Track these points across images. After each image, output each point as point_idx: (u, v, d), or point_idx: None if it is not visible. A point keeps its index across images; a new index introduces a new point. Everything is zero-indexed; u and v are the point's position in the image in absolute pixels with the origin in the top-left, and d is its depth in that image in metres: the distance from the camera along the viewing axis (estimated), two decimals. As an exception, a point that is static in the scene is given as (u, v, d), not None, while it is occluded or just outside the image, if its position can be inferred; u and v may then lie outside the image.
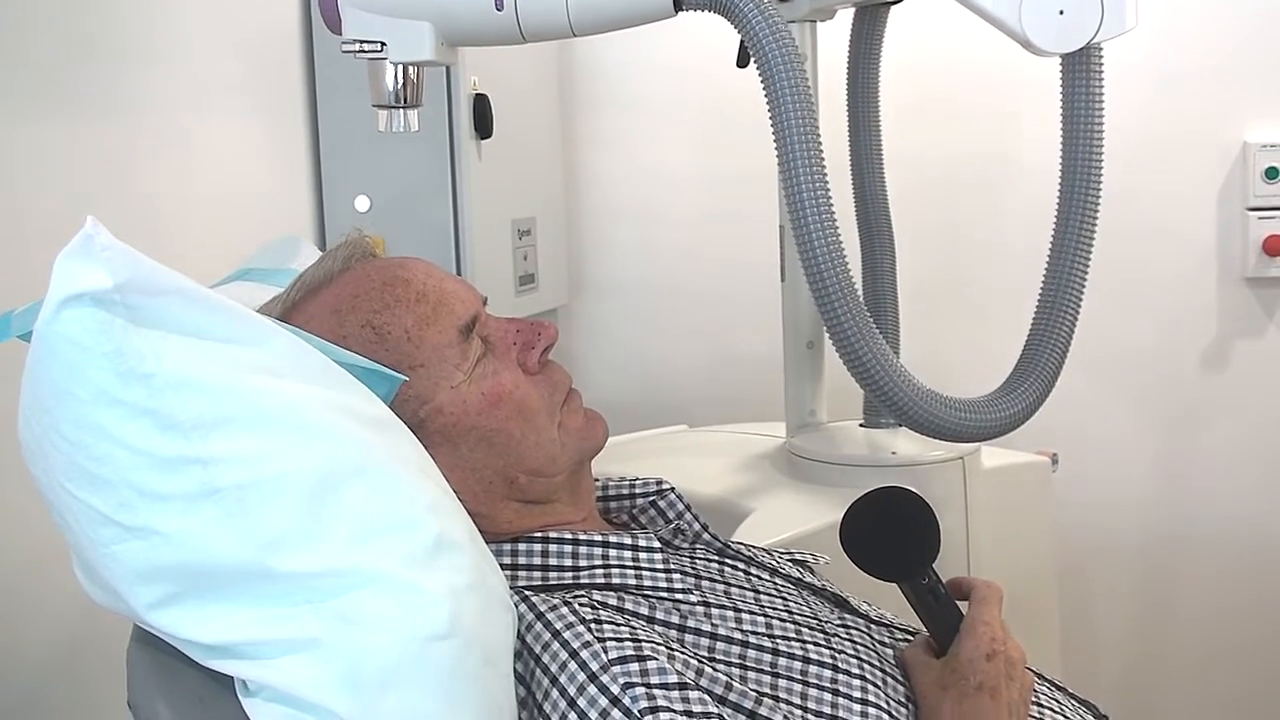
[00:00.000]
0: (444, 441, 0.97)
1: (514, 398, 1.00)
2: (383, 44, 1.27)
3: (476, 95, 1.86)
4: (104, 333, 0.77)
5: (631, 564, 0.98)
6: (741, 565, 1.06)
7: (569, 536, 0.99)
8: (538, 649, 0.88)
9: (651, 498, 1.11)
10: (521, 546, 0.99)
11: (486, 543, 0.96)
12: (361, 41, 1.26)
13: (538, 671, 0.87)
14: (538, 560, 0.98)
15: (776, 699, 0.91)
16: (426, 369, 0.97)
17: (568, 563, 0.98)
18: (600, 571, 0.98)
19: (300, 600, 0.80)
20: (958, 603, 1.03)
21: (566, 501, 1.03)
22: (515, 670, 0.88)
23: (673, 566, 0.99)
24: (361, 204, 1.87)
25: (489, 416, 0.98)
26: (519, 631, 0.90)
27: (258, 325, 0.87)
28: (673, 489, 1.12)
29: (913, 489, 1.06)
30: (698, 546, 1.07)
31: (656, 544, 1.00)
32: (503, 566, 0.97)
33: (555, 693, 0.85)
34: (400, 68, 1.30)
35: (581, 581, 0.97)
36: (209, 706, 0.85)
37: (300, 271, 1.04)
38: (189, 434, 0.79)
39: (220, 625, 0.82)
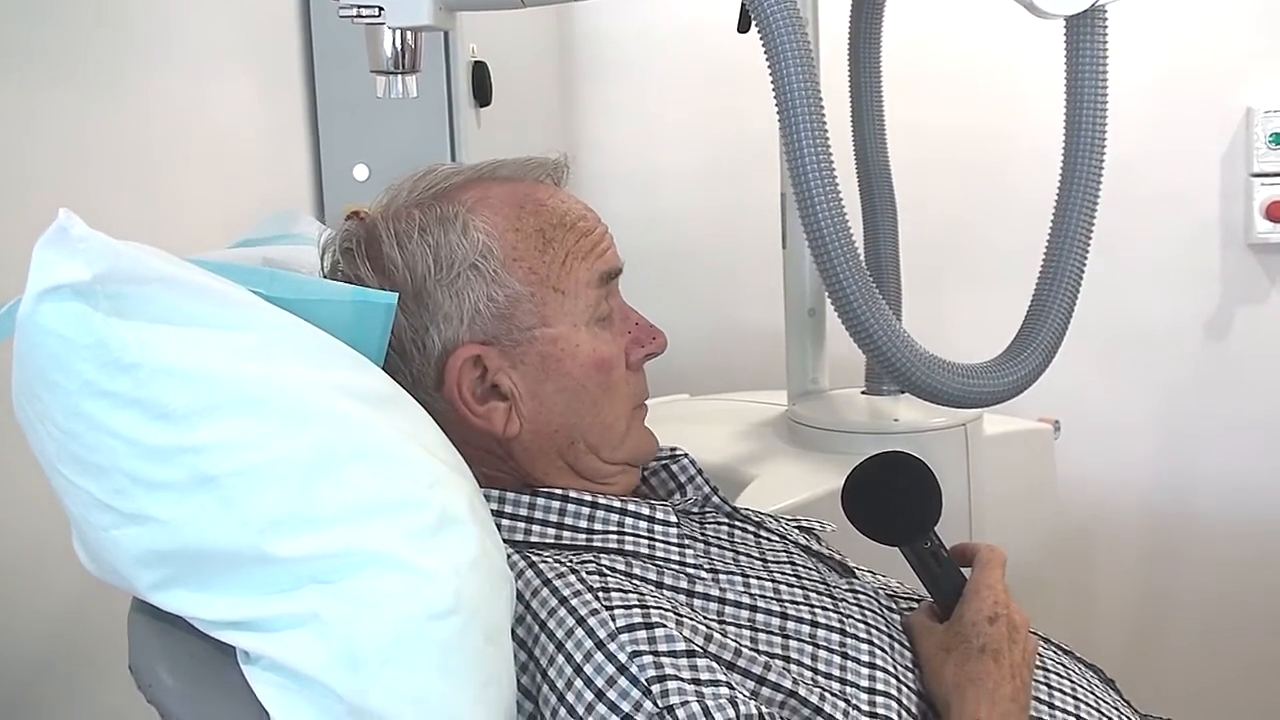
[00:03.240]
0: (539, 368, 0.99)
1: (613, 374, 1.02)
2: (380, 9, 1.26)
3: (475, 63, 1.85)
4: (85, 325, 0.77)
5: (646, 534, 0.99)
6: (751, 529, 1.06)
7: (588, 499, 0.99)
8: (544, 615, 0.88)
9: (664, 462, 1.11)
10: (540, 501, 0.99)
11: (508, 491, 0.99)
12: (359, 6, 1.25)
13: (543, 637, 0.87)
14: (554, 517, 0.98)
15: (788, 659, 0.91)
16: (563, 296, 0.99)
17: (583, 524, 0.98)
18: (614, 537, 0.98)
19: (305, 580, 0.80)
20: (962, 569, 1.03)
21: (611, 489, 1.03)
22: (517, 635, 0.88)
23: (686, 542, 0.99)
24: (360, 173, 1.86)
25: (589, 374, 1.00)
26: (524, 597, 0.90)
27: (246, 308, 0.86)
28: (686, 454, 1.12)
29: (914, 454, 1.06)
30: (707, 511, 1.07)
31: (674, 517, 1.00)
32: (518, 518, 0.98)
33: (561, 659, 0.85)
34: (398, 33, 1.29)
35: (594, 545, 0.97)
36: (209, 670, 0.85)
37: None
38: (179, 423, 0.79)
39: (221, 605, 0.82)
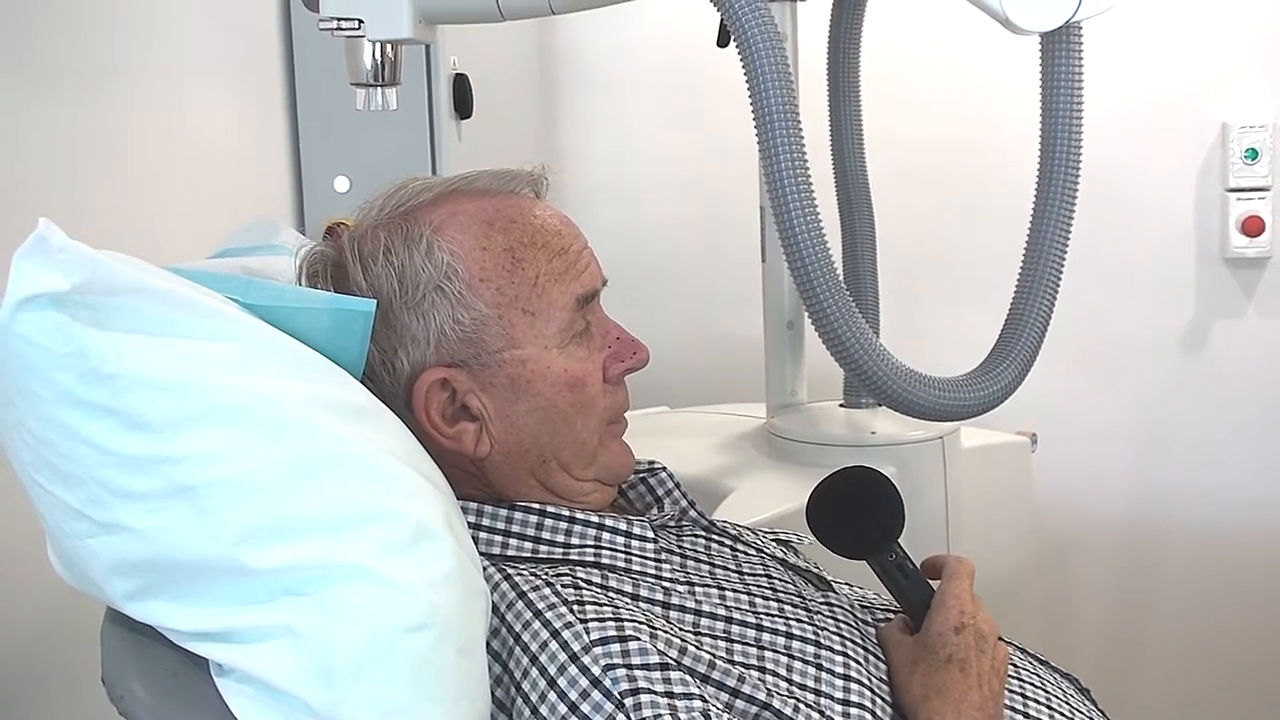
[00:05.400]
0: (508, 389, 0.98)
1: (587, 391, 1.01)
2: (360, 21, 1.26)
3: (456, 75, 1.85)
4: (63, 335, 0.77)
5: (623, 549, 0.99)
6: (728, 542, 1.06)
7: (565, 514, 0.99)
8: (518, 627, 0.88)
9: (642, 475, 1.12)
10: (518, 515, 0.99)
11: (484, 504, 0.98)
12: (339, 19, 1.25)
13: (517, 650, 0.87)
14: (531, 531, 0.98)
15: (763, 670, 0.91)
16: (534, 318, 0.98)
17: (560, 538, 0.98)
18: (591, 551, 0.98)
19: (279, 593, 0.80)
20: (932, 581, 1.04)
21: (585, 505, 1.03)
22: (492, 648, 0.88)
23: (663, 555, 0.99)
24: (341, 185, 1.86)
25: (560, 393, 0.99)
26: (499, 610, 0.90)
27: (225, 319, 0.86)
28: (664, 468, 1.12)
29: (874, 467, 1.06)
30: (684, 524, 1.07)
31: (650, 532, 1.00)
32: (495, 531, 0.98)
33: (535, 672, 0.85)
34: (378, 45, 1.29)
35: (571, 558, 0.97)
36: (182, 682, 0.85)
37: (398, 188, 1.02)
38: (156, 433, 0.79)
39: (195, 616, 0.82)
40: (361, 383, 0.95)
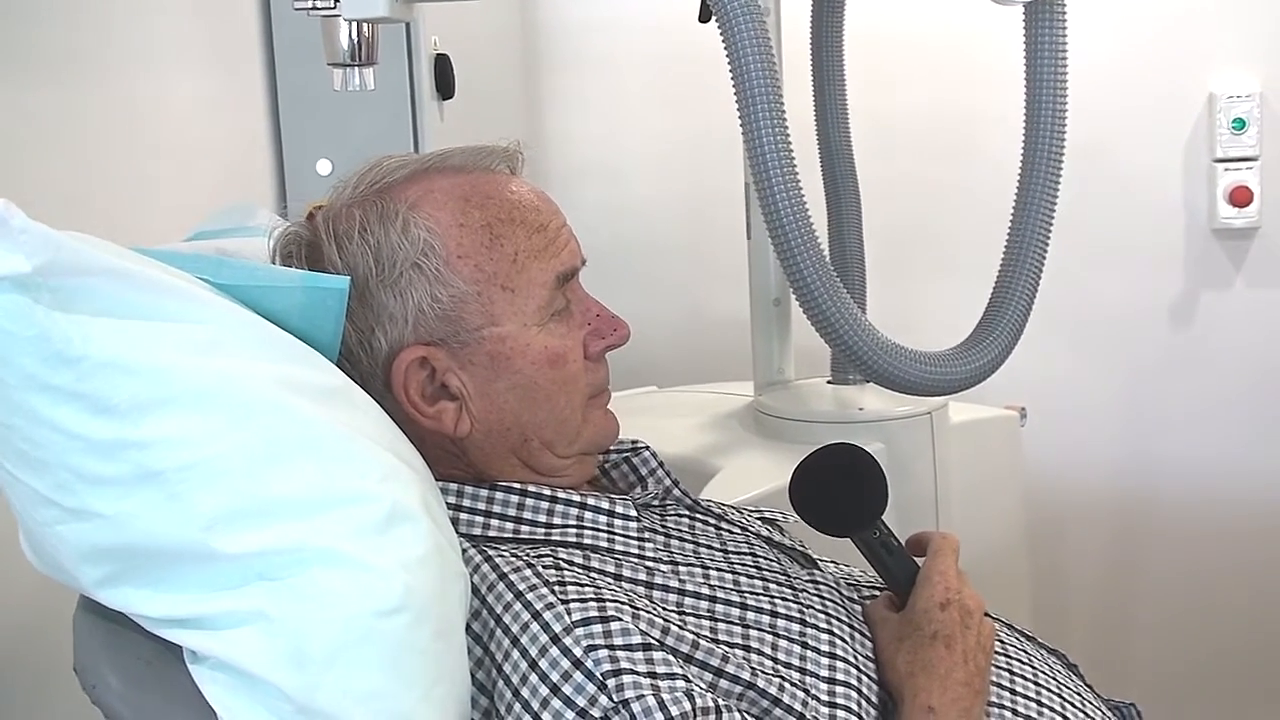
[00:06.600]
0: (488, 367, 0.97)
1: (568, 368, 0.99)
2: (336, 1, 1.25)
3: (438, 56, 1.84)
4: (25, 317, 0.75)
5: (606, 528, 0.98)
6: (713, 521, 1.06)
7: (547, 493, 0.98)
8: (499, 609, 0.87)
9: (626, 454, 1.11)
10: (499, 495, 0.98)
11: (465, 485, 0.97)
12: (315, -1, 1.24)
13: (498, 632, 0.87)
14: (512, 511, 0.97)
15: (748, 649, 0.91)
16: (514, 294, 0.97)
17: (541, 519, 0.97)
18: (573, 531, 0.97)
19: (251, 577, 0.79)
20: (917, 558, 1.03)
21: (565, 481, 1.02)
22: (473, 630, 0.88)
23: (646, 535, 0.99)
24: (323, 167, 1.85)
25: (540, 371, 0.98)
26: (480, 592, 0.89)
27: (193, 300, 0.85)
28: (647, 447, 1.11)
29: (856, 444, 1.06)
30: (668, 504, 1.06)
31: (633, 511, 0.99)
32: (476, 512, 0.97)
33: (516, 653, 0.85)
34: (354, 25, 1.28)
35: (553, 539, 0.96)
36: (156, 671, 0.84)
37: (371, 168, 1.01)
38: (123, 417, 0.77)
39: (167, 602, 0.81)
40: (339, 364, 0.94)
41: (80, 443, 0.78)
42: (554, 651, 0.83)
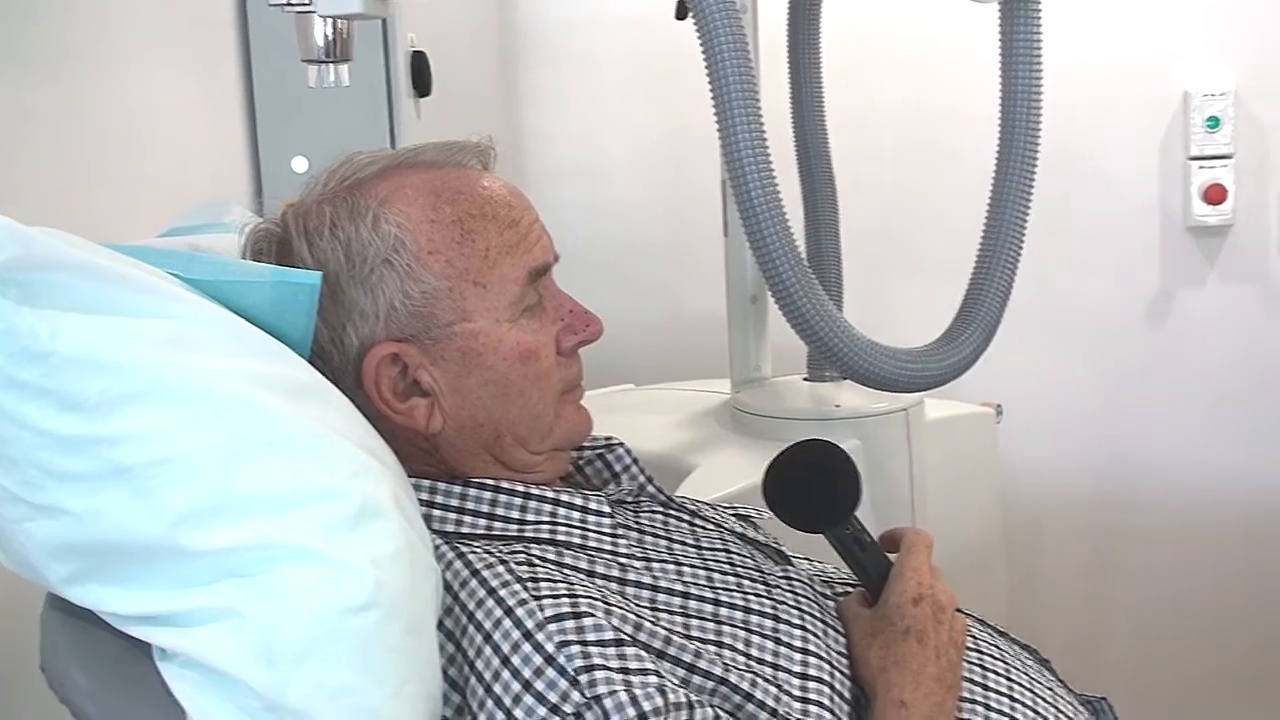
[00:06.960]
0: (460, 363, 0.97)
1: (541, 364, 0.99)
2: (311, -3, 1.24)
3: (414, 53, 1.83)
4: None
5: (579, 524, 0.98)
6: (686, 518, 1.06)
7: (520, 489, 0.98)
8: (471, 605, 0.87)
9: (600, 451, 1.11)
10: (472, 491, 0.98)
11: (438, 481, 0.97)
12: (289, -6, 1.24)
13: (470, 628, 0.86)
14: (485, 507, 0.97)
15: (721, 644, 0.91)
16: (485, 290, 0.97)
17: (514, 515, 0.97)
18: (546, 527, 0.97)
19: (221, 574, 0.79)
20: (891, 554, 1.03)
21: (538, 477, 1.02)
22: (445, 627, 0.87)
23: (619, 531, 0.98)
24: (299, 165, 1.84)
25: (512, 366, 0.98)
26: (452, 588, 0.89)
27: (162, 295, 0.84)
28: (621, 444, 1.11)
29: (828, 440, 1.06)
30: (642, 500, 1.06)
31: (607, 508, 0.99)
32: (449, 508, 0.97)
33: (489, 650, 0.84)
34: (330, 21, 1.28)
35: (526, 535, 0.96)
36: (124, 669, 0.83)
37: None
38: (92, 413, 0.77)
39: (136, 599, 0.81)
40: (311, 361, 0.94)
41: (48, 439, 0.77)
42: (526, 648, 0.83)
